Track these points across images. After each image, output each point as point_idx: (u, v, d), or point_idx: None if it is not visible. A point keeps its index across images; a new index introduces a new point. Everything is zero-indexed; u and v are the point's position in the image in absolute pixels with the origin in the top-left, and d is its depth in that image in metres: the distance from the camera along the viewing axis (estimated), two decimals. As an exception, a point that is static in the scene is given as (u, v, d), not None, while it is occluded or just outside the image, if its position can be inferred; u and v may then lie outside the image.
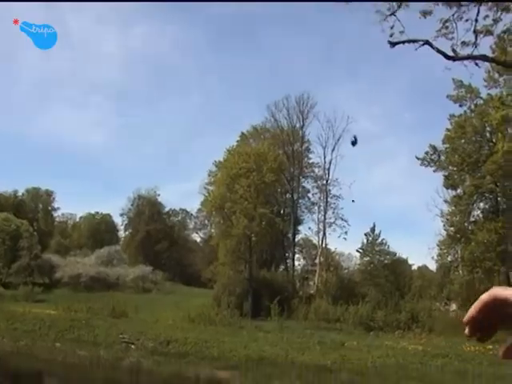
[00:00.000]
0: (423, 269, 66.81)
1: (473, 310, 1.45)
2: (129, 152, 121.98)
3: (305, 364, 26.84)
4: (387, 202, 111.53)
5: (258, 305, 48.70)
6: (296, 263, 68.64)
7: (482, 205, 48.29)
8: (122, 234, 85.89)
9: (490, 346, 32.85)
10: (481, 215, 48.08)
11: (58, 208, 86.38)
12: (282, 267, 65.24)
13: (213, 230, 73.09)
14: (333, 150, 61.36)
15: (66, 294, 54.41)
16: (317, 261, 64.79)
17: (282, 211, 65.21)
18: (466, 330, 1.44)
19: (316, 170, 65.54)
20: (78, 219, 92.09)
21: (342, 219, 62.66)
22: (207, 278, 66.30)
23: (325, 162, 63.34)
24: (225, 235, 54.15)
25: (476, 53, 21.36)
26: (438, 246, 51.39)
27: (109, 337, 33.45)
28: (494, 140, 45.67)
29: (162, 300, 53.73)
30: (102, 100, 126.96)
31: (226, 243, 54.64)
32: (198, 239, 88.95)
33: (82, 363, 28.54)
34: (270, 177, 52.81)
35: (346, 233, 62.30)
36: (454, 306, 50.42)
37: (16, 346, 30.74)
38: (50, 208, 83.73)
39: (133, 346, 31.89)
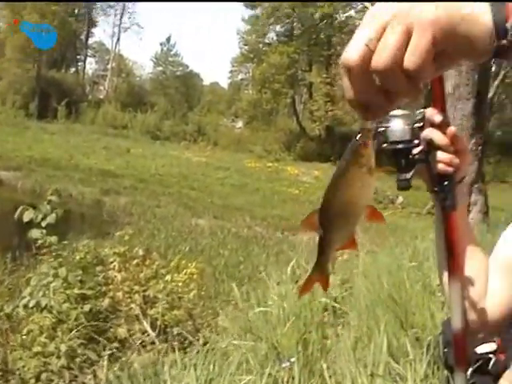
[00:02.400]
0: (215, 85, 67.84)
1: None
2: None
3: (89, 168, 26.80)
4: (184, 14, 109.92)
5: (45, 106, 47.04)
6: (88, 66, 66.74)
7: (278, 28, 49.01)
8: None
9: (270, 164, 34.86)
10: (275, 38, 48.92)
11: None
12: (72, 69, 63.04)
13: (1, 24, 68.26)
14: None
15: None
16: (109, 66, 63.27)
17: (76, 11, 61.80)
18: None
19: (114, -29, 62.33)
20: None
21: (139, 26, 61.16)
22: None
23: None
24: (13, 30, 50.68)
25: None
26: (231, 63, 52.19)
27: None
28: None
29: None
30: None
31: (14, 39, 51.22)
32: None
33: None
34: (63, -26, 49.38)
35: (141, 39, 61.12)
36: (240, 123, 52.17)
37: None
38: None
39: None
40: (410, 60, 0.76)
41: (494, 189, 20.38)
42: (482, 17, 0.76)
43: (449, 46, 0.78)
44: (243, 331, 4.17)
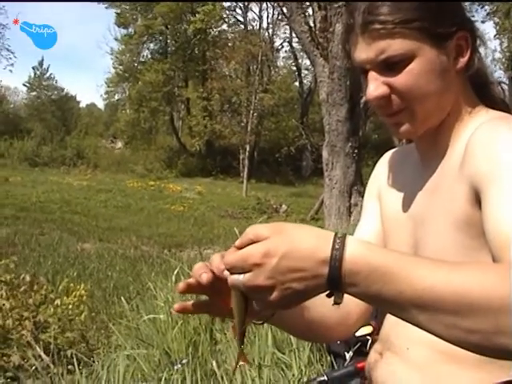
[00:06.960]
0: (91, 106, 66.79)
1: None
2: None
3: (-34, 200, 25.89)
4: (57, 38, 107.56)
5: None
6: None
7: (151, 46, 49.04)
8: None
9: (152, 182, 34.77)
10: (150, 56, 48.90)
11: None
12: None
13: None
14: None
15: None
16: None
17: None
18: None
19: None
20: None
21: (9, 50, 59.25)
22: None
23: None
24: None
25: None
26: (106, 83, 51.62)
27: None
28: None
29: None
30: None
31: None
32: None
33: None
34: None
35: (12, 65, 59.49)
36: (119, 144, 51.67)
37: None
38: None
39: None
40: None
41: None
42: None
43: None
44: (136, 342, 4.33)
